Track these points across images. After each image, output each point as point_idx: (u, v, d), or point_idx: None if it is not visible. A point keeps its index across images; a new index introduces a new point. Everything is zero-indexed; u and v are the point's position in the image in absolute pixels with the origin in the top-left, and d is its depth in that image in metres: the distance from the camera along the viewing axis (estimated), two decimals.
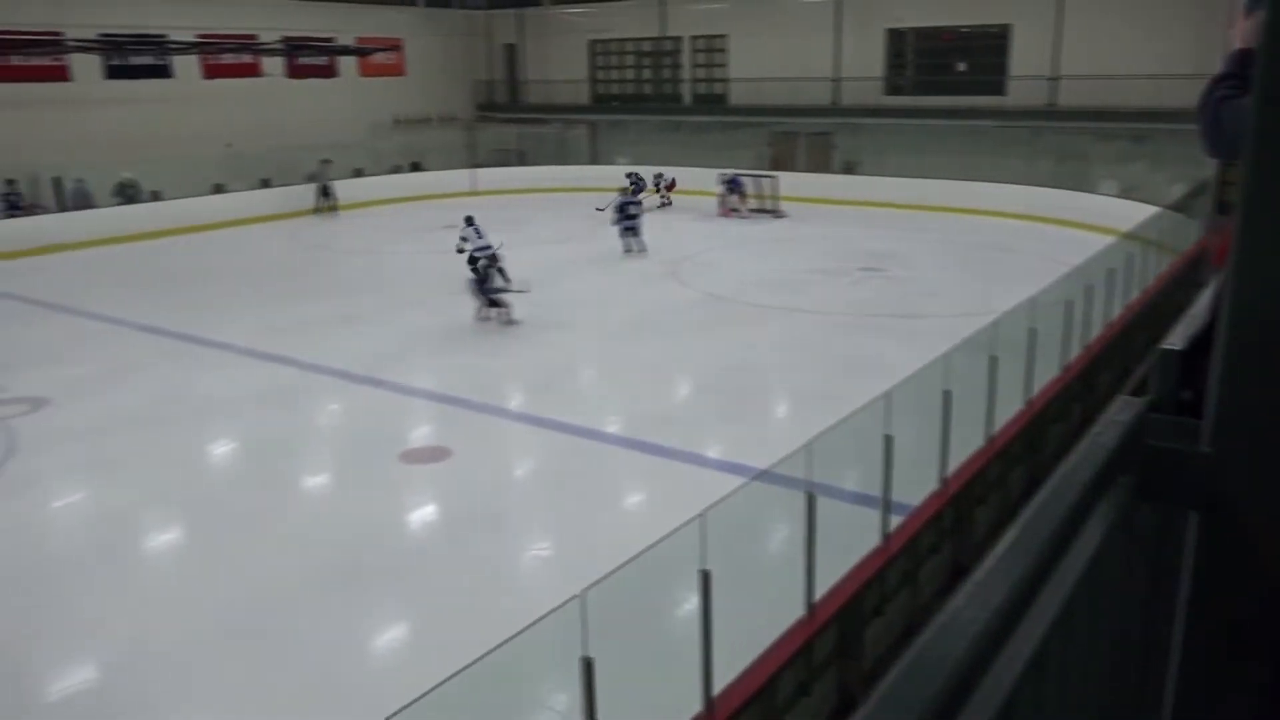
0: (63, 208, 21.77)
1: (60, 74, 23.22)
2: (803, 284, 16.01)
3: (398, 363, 11.87)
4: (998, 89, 24.75)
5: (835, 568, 5.66)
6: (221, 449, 9.76)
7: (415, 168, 28.87)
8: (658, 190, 24.38)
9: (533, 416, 10.11)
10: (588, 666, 3.70)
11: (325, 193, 24.78)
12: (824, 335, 13.15)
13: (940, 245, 19.12)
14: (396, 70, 31.14)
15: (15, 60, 22.31)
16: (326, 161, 25.41)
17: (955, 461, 7.01)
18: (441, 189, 26.82)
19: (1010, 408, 8.12)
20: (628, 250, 18.57)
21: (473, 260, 14.12)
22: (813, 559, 5.27)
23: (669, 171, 25.05)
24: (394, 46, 30.54)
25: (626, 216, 18.76)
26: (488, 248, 14.21)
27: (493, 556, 7.28)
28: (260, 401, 10.73)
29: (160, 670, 5.88)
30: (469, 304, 13.75)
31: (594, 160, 30.23)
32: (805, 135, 27.79)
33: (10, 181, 20.65)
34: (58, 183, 21.98)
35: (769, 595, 5.70)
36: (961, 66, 25.99)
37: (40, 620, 6.54)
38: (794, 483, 5.37)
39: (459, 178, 27.39)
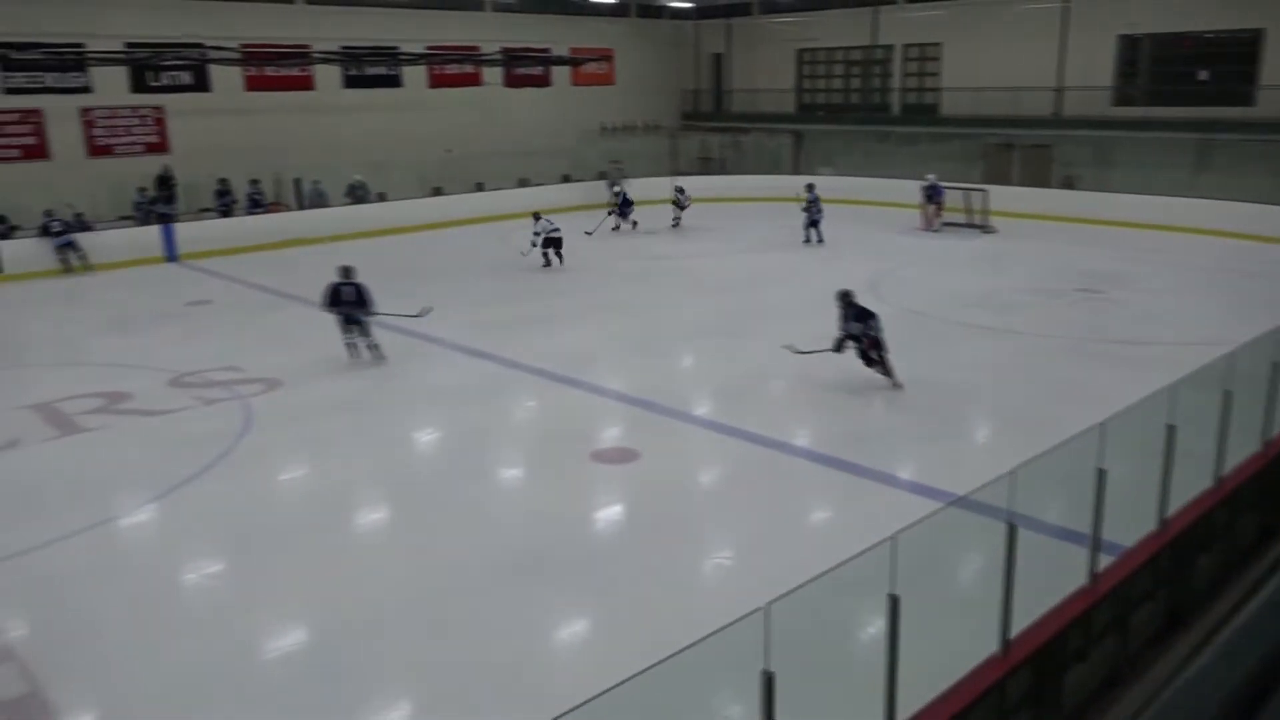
0: (300, 206, 23.72)
1: (306, 84, 25.32)
2: (1012, 303, 15.22)
3: (592, 364, 12.16)
4: (1245, 99, 22.69)
5: (1034, 605, 5.32)
6: (427, 437, 10.32)
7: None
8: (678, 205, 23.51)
9: (722, 424, 10.10)
10: (768, 681, 3.64)
11: (617, 194, 23.99)
12: (1033, 358, 12.45)
13: (1169, 268, 17.70)
14: (606, 79, 32.00)
15: (269, 71, 24.52)
16: (617, 163, 26.68)
17: (1177, 503, 6.45)
18: (643, 196, 27.31)
19: (1244, 449, 7.39)
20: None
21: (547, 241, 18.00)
22: (1010, 593, 4.98)
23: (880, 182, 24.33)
24: (605, 56, 31.39)
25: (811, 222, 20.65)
26: (556, 230, 18.11)
27: (675, 561, 7.32)
28: (464, 394, 11.28)
29: (358, 638, 6.27)
30: (663, 308, 13.90)
31: (797, 170, 29.94)
32: (1021, 148, 26.45)
33: (254, 181, 22.66)
34: (297, 183, 23.95)
35: (960, 627, 5.43)
36: (1204, 75, 23.99)
37: (258, 582, 7.13)
38: (993, 511, 5.09)
39: (661, 185, 27.76)
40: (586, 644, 6.44)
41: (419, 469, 9.54)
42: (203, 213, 22.54)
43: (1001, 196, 22.82)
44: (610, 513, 8.22)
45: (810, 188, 20.99)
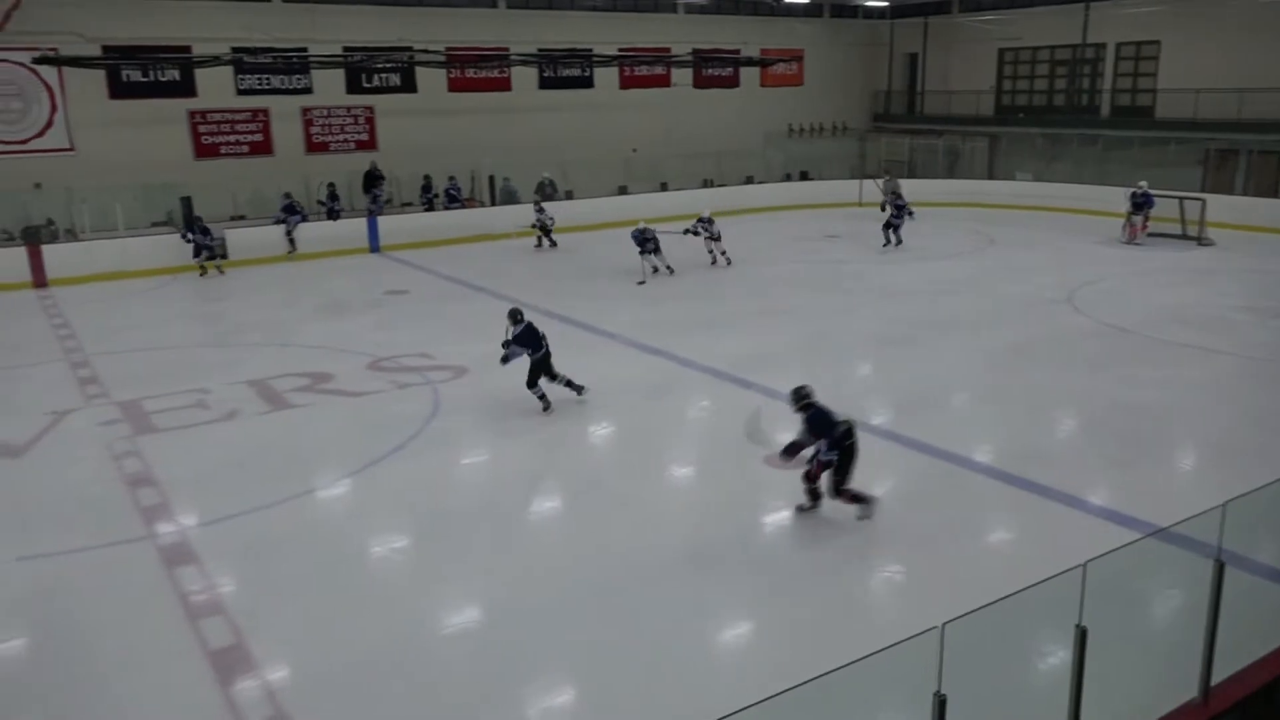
0: (493, 202, 24.73)
1: (504, 85, 26.40)
2: (1226, 321, 14.05)
3: (766, 366, 12.08)
4: None
5: (1240, 651, 4.90)
6: (602, 430, 10.54)
7: (804, 177, 29.22)
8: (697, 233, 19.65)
9: (899, 435, 9.82)
10: (940, 705, 3.52)
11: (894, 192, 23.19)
12: (1246, 382, 11.46)
13: None
14: (795, 80, 31.71)
15: (470, 73, 25.70)
16: (895, 163, 26.74)
17: None
18: (829, 199, 26.89)
19: None
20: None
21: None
22: (1214, 636, 4.60)
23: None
24: (795, 57, 31.10)
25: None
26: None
27: (845, 573, 7.18)
28: (639, 390, 11.46)
29: (532, 621, 6.48)
30: (840, 314, 13.62)
31: (991, 174, 28.69)
32: (1248, 154, 24.34)
33: (451, 178, 23.80)
34: (491, 180, 24.99)
35: (1153, 667, 5.07)
36: None
37: (439, 560, 7.49)
38: (1196, 545, 4.73)
39: (847, 188, 27.26)
40: (750, 647, 6.40)
41: (594, 460, 9.77)
42: (404, 207, 23.88)
43: (1223, 207, 21.08)
44: (780, 517, 8.15)
45: (888, 179, 20.02)
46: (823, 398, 7.95)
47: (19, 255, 18.31)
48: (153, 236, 20.33)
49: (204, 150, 23.01)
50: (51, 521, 8.15)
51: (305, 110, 24.05)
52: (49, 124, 21.23)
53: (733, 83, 30.32)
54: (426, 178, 23.77)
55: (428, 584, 7.13)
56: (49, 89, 21.08)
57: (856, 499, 7.83)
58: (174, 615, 6.63)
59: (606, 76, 27.78)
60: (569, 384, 10.87)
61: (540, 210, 21.74)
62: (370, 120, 24.91)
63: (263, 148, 23.63)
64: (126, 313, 16.14)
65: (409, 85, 25.09)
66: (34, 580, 7.21)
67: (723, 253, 18.77)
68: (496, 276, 18.34)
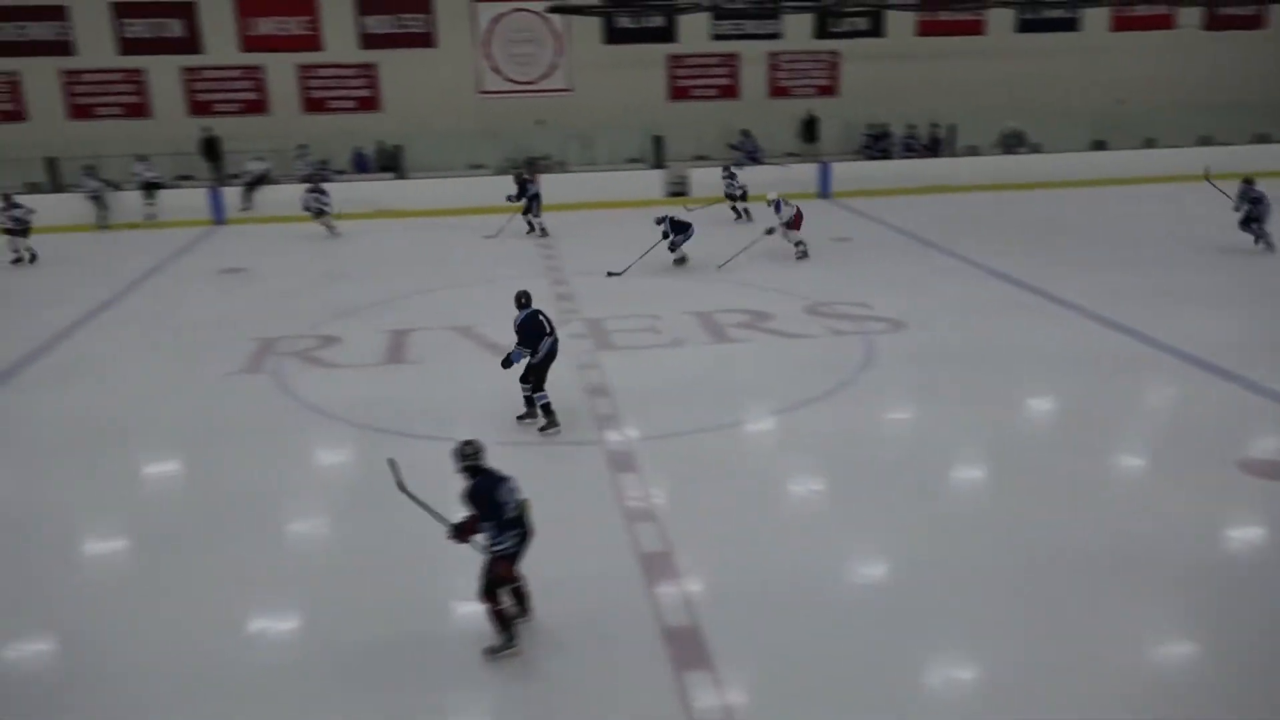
0: (951, 153, 23.74)
1: (977, 28, 24.96)
2: None
3: (1256, 357, 10.39)
4: None
5: None
6: (1039, 403, 9.79)
7: None
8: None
9: None
10: None
11: None
12: None
13: None
14: None
15: (943, 15, 24.64)
16: None
17: None
18: None
19: None
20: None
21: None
22: None
23: None
24: None
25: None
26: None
27: None
28: (1085, 364, 10.45)
29: (936, 584, 6.30)
30: None
31: None
32: None
33: (911, 126, 23.16)
34: (951, 130, 23.98)
35: None
36: None
37: (858, 509, 7.51)
38: None
39: None
40: (1180, 670, 5.67)
41: (1022, 433, 9.12)
42: (858, 154, 23.78)
43: None
44: (1250, 534, 7.05)
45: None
46: None
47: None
48: (628, 171, 22.34)
49: (677, 93, 24.63)
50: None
51: (771, 55, 24.71)
52: (553, 66, 24.01)
53: (1255, 23, 25.90)
54: (881, 126, 23.41)
55: (844, 526, 7.21)
56: (555, 35, 23.78)
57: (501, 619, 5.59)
58: (613, 514, 7.38)
59: (1097, 18, 25.12)
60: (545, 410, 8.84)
61: (730, 177, 19.17)
62: (834, 65, 24.96)
63: (730, 91, 24.73)
64: (603, 238, 17.95)
65: (876, 29, 24.70)
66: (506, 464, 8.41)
67: (797, 243, 15.76)
68: (949, 232, 17.64)
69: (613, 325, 12.31)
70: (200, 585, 6.56)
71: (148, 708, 5.34)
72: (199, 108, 22.82)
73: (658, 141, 22.76)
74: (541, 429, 8.91)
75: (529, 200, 18.25)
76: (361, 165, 22.59)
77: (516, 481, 5.72)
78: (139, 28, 22.31)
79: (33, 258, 16.73)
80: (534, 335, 8.72)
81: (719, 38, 24.40)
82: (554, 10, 22.79)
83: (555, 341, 8.91)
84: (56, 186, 21.10)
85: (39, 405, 10.13)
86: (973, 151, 23.52)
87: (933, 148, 23.85)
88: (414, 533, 6.43)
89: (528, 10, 23.42)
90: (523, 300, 8.96)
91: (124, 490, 8.25)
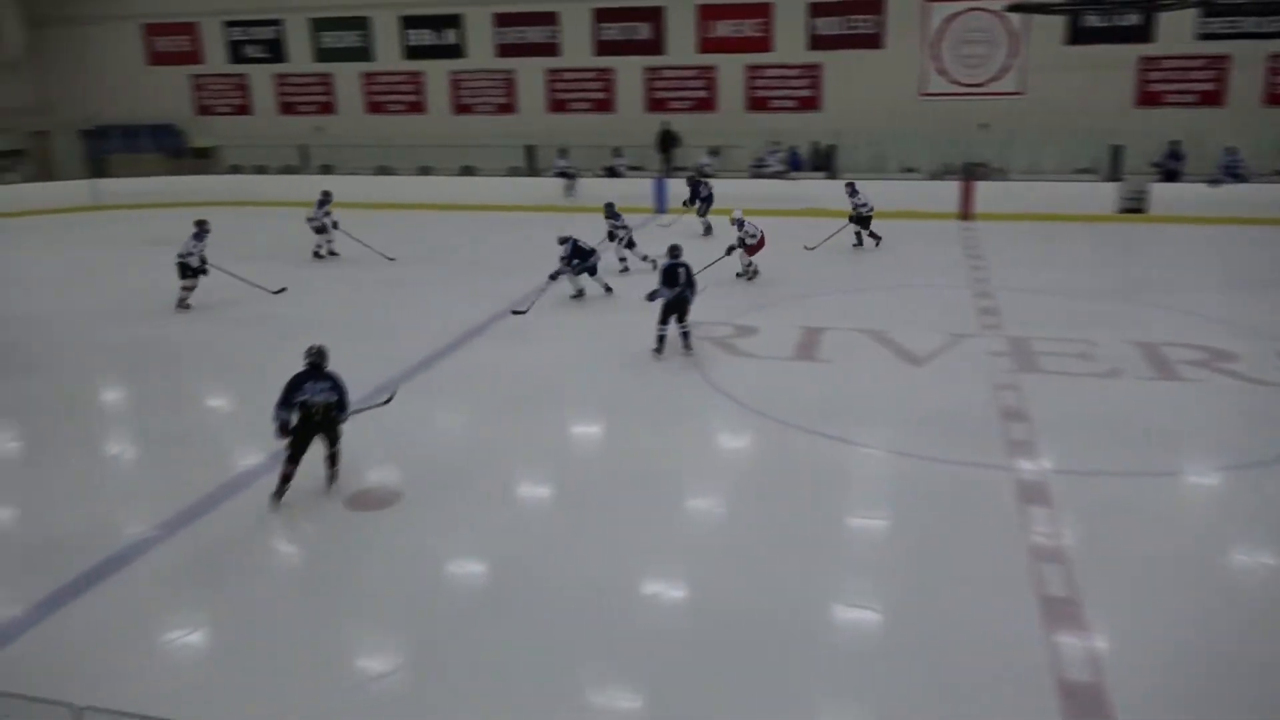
0: None
1: None
2: None
3: None
4: None
5: None
6: None
7: None
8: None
9: None
10: None
11: None
12: None
13: None
14: None
15: None
16: None
17: None
18: None
19: None
20: None
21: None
22: None
23: None
24: None
25: None
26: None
27: None
28: None
29: None
30: None
31: None
32: None
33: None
34: None
35: None
36: None
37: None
38: None
39: None
40: None
41: None
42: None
43: None
44: None
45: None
46: None
47: (952, 189, 20.34)
48: (1078, 183, 20.61)
49: (1145, 98, 22.16)
50: (930, 428, 9.06)
51: (1272, 57, 21.32)
52: (1005, 68, 22.73)
53: None
54: None
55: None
56: (1011, 35, 22.47)
57: None
58: (1016, 547, 6.87)
59: None
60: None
61: (853, 194, 17.32)
62: None
63: (1213, 98, 21.78)
64: (1038, 253, 16.77)
65: None
66: (910, 479, 8.19)
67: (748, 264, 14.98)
68: None
69: (1040, 346, 11.43)
70: (604, 540, 7.16)
71: (554, 625, 5.95)
72: (655, 105, 24.73)
73: (1115, 151, 20.67)
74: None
75: (702, 202, 18.98)
76: (795, 164, 23.10)
77: None
78: (613, 31, 24.67)
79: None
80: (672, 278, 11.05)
81: (1206, 37, 21.54)
82: (1014, 9, 21.54)
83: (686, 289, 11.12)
84: (532, 171, 24.09)
85: (494, 359, 11.67)
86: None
87: None
88: (800, 528, 6.50)
89: (985, 10, 22.39)
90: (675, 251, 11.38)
91: (554, 444, 9.25)
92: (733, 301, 13.63)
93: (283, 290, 14.59)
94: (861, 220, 17.28)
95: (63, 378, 11.28)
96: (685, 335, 11.28)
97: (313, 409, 7.50)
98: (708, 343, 11.82)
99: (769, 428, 9.32)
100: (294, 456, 7.55)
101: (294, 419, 7.48)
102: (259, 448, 8.57)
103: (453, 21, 25.48)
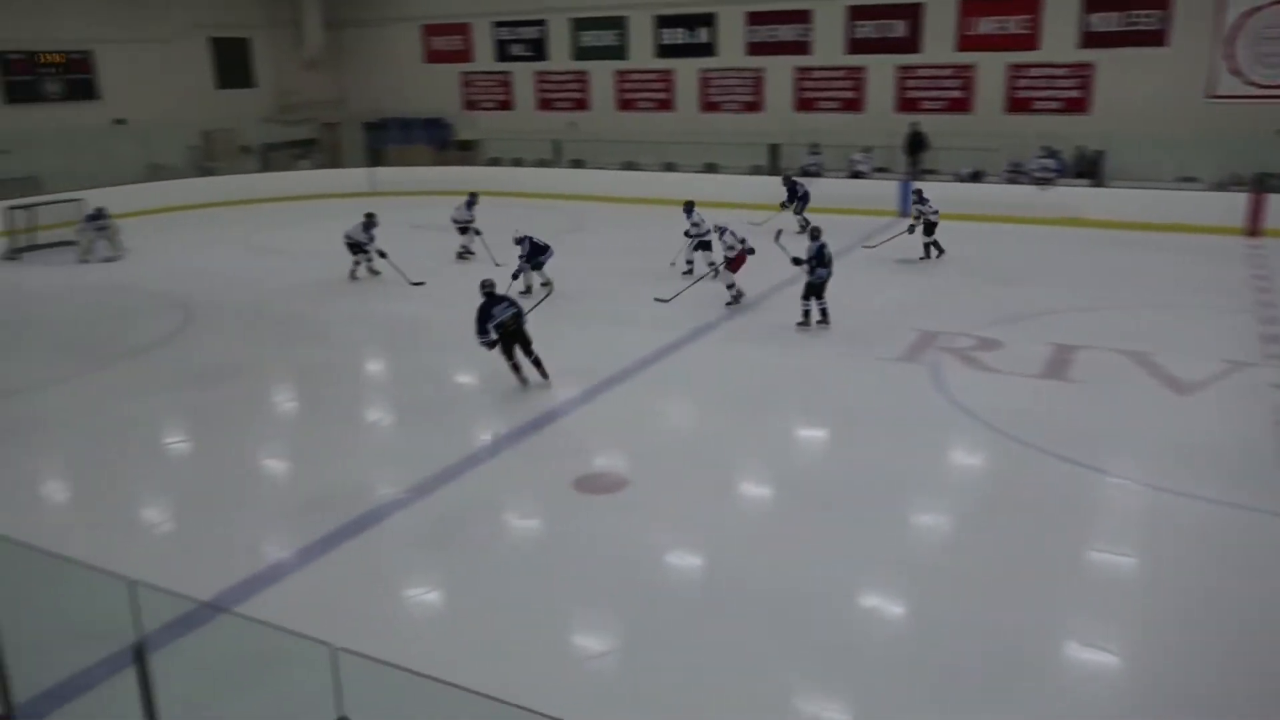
0: None
1: None
2: None
3: None
4: None
5: None
6: None
7: None
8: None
9: None
10: None
11: None
12: None
13: None
14: None
15: None
16: None
17: None
18: None
19: None
20: None
21: None
22: None
23: None
24: None
25: None
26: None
27: None
28: None
29: None
30: None
31: None
32: None
33: None
34: None
35: None
36: None
37: None
38: None
39: None
40: None
41: None
42: None
43: None
44: None
45: None
46: None
47: (1238, 201, 18.34)
48: None
49: None
50: (1194, 463, 8.24)
51: None
52: None
53: None
54: None
55: None
56: None
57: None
58: None
59: None
60: None
61: (920, 202, 16.65)
62: None
63: None
64: None
65: None
66: (1239, 527, 7.50)
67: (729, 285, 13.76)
68: None
69: None
70: (826, 547, 7.03)
71: (768, 630, 5.91)
72: (906, 105, 23.91)
73: None
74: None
75: (799, 201, 19.11)
76: (1057, 170, 21.64)
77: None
78: (867, 29, 24.05)
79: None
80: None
81: None
82: None
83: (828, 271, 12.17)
84: (774, 169, 23.96)
85: (725, 356, 11.72)
86: None
87: None
88: (1035, 556, 6.10)
89: None
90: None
91: (781, 445, 9.19)
92: (975, 314, 12.98)
93: (420, 284, 15.23)
94: (928, 227, 16.38)
95: (338, 348, 12.44)
96: (824, 311, 12.45)
97: (506, 322, 9.97)
98: (947, 354, 11.33)
99: (1008, 446, 8.81)
100: (511, 360, 10.13)
101: (494, 334, 9.96)
102: (498, 424, 9.08)
103: (706, 20, 25.77)
